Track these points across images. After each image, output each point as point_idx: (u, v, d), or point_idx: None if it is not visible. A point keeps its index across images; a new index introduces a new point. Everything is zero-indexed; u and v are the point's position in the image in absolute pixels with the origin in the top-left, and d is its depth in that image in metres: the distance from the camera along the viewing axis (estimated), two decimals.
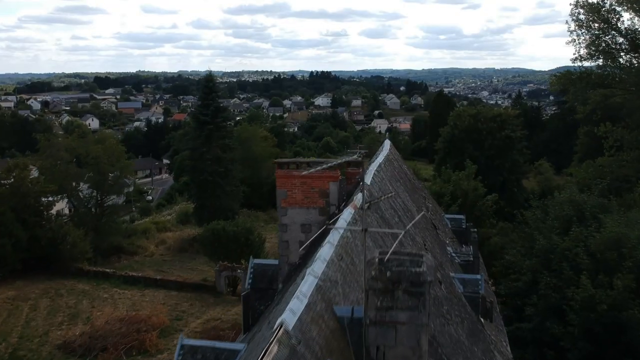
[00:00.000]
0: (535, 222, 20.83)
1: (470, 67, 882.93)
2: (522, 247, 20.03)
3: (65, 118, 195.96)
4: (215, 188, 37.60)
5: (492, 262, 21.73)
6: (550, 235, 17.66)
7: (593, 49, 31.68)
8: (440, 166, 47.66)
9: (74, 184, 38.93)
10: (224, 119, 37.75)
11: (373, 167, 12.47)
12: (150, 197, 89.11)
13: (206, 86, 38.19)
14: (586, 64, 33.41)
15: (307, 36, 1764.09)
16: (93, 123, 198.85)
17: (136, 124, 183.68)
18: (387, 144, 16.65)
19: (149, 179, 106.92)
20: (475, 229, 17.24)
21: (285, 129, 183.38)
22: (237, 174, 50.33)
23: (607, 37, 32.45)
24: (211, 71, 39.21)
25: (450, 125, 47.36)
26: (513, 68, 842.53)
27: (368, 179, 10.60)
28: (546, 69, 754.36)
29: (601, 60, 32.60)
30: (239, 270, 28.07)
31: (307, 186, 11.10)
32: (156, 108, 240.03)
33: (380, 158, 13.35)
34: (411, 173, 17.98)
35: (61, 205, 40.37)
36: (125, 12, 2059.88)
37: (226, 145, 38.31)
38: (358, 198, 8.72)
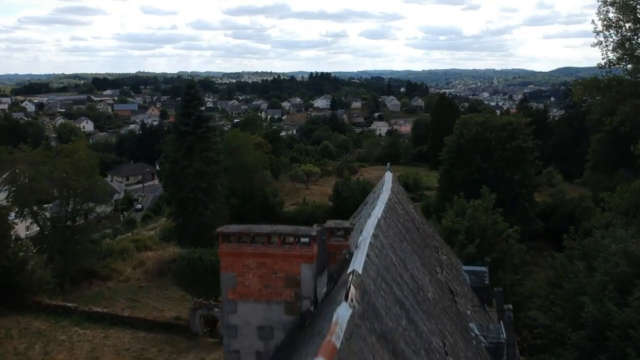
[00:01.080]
0: (573, 274, 16.67)
1: (470, 68, 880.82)
2: (561, 309, 15.96)
3: (60, 120, 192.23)
4: (198, 206, 33.73)
5: (516, 314, 17.83)
6: (602, 300, 13.55)
7: (621, 52, 27.85)
8: (445, 178, 43.81)
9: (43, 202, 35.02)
10: (207, 129, 33.88)
11: (370, 227, 8.71)
12: (139, 206, 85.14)
13: (187, 93, 34.20)
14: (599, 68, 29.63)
15: (307, 37, 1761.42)
16: (87, 125, 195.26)
17: (131, 126, 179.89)
18: (388, 179, 12.74)
19: (141, 185, 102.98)
20: (502, 289, 13.43)
21: (283, 133, 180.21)
22: (224, 189, 46.42)
23: None
24: (191, 76, 35.18)
25: (456, 134, 43.44)
26: (513, 69, 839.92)
27: (360, 262, 6.81)
28: (546, 70, 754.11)
29: (630, 65, 28.76)
30: (216, 309, 24.23)
31: (267, 269, 7.20)
32: (153, 110, 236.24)
33: (379, 208, 9.58)
34: (419, 216, 13.96)
35: (25, 228, 36.53)
36: (125, 12, 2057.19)
37: (210, 158, 34.39)
38: (340, 316, 4.95)
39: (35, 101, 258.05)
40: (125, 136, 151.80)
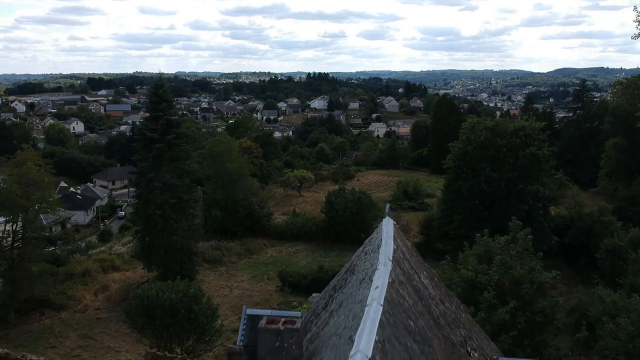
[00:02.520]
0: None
1: (469, 68, 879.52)
2: None
3: (49, 121, 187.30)
4: (167, 224, 29.12)
5: None
6: None
7: None
8: (449, 189, 39.18)
9: None
10: (177, 135, 29.14)
11: (364, 344, 4.30)
12: (122, 213, 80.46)
13: (154, 94, 29.43)
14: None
15: (305, 37, 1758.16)
16: (78, 127, 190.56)
17: (122, 127, 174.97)
18: (388, 233, 8.05)
19: (126, 190, 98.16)
20: None
21: (278, 134, 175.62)
22: (207, 199, 41.89)
23: None
24: (162, 73, 30.34)
25: (462, 140, 38.93)
26: (511, 70, 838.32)
27: None
28: (545, 71, 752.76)
29: None
30: None
31: None
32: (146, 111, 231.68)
33: (376, 296, 5.14)
34: (435, 285, 8.89)
35: None
36: (123, 13, 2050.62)
37: (181, 169, 29.68)
38: None
39: (28, 101, 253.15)
40: (115, 138, 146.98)
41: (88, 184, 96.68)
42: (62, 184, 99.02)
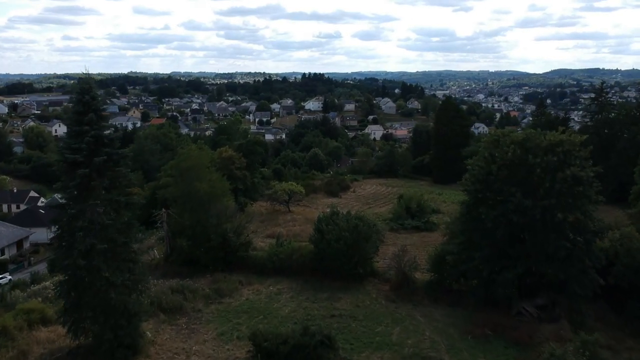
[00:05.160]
0: None
1: (464, 69, 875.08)
2: None
3: (30, 123, 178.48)
4: (95, 278, 21.34)
5: None
6: None
7: None
8: (468, 218, 31.55)
9: None
10: (108, 156, 21.25)
11: None
12: None
13: (80, 101, 21.43)
14: None
15: (300, 38, 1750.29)
16: (60, 129, 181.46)
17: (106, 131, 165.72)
18: None
19: None
20: None
21: (271, 137, 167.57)
22: (174, 226, 34.15)
23: None
24: (88, 73, 22.27)
25: (484, 157, 31.32)
26: (507, 71, 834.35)
27: None
28: (540, 72, 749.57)
29: None
30: None
31: None
32: (134, 112, 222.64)
33: None
34: None
35: None
36: (117, 13, 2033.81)
37: (116, 202, 21.83)
38: None
39: (16, 101, 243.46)
40: None
41: (56, 195, 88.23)
42: (32, 193, 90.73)
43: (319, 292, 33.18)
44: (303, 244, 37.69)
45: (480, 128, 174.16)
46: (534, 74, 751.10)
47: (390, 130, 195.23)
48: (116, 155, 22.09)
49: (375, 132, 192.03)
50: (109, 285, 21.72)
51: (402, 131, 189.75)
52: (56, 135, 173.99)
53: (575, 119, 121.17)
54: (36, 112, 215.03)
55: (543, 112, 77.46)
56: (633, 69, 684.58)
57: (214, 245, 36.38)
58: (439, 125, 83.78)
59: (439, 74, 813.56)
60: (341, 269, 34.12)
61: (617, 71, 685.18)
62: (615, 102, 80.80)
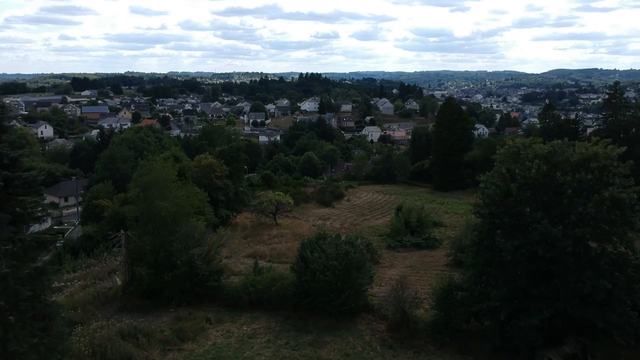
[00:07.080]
0: None
1: (462, 69, 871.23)
2: None
3: (14, 124, 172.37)
4: None
5: None
6: None
7: None
8: (481, 248, 26.00)
9: None
10: (5, 179, 15.76)
11: None
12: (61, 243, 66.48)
13: None
14: None
15: (298, 38, 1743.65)
16: (46, 131, 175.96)
17: (93, 133, 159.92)
18: None
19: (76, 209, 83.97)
20: None
21: (265, 139, 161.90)
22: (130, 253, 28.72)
23: None
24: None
25: (501, 174, 25.74)
26: (505, 71, 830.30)
27: None
28: (538, 72, 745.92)
29: None
30: None
31: None
32: (125, 113, 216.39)
33: None
34: None
35: None
36: (114, 13, 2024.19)
37: (21, 241, 16.13)
38: None
39: (7, 101, 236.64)
40: (81, 144, 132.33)
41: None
42: None
43: (302, 335, 27.58)
44: (285, 273, 32.08)
45: (480, 129, 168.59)
46: (532, 74, 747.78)
47: (388, 132, 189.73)
48: (20, 180, 16.42)
49: (373, 133, 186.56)
50: (11, 355, 16.04)
51: (400, 132, 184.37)
52: (42, 137, 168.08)
53: (582, 121, 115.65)
54: (24, 112, 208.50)
55: (552, 115, 71.81)
56: (631, 69, 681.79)
57: (180, 274, 30.76)
58: (440, 128, 78.13)
59: (436, 74, 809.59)
60: (328, 305, 28.58)
61: (614, 71, 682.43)
62: (632, 102, 75.17)
